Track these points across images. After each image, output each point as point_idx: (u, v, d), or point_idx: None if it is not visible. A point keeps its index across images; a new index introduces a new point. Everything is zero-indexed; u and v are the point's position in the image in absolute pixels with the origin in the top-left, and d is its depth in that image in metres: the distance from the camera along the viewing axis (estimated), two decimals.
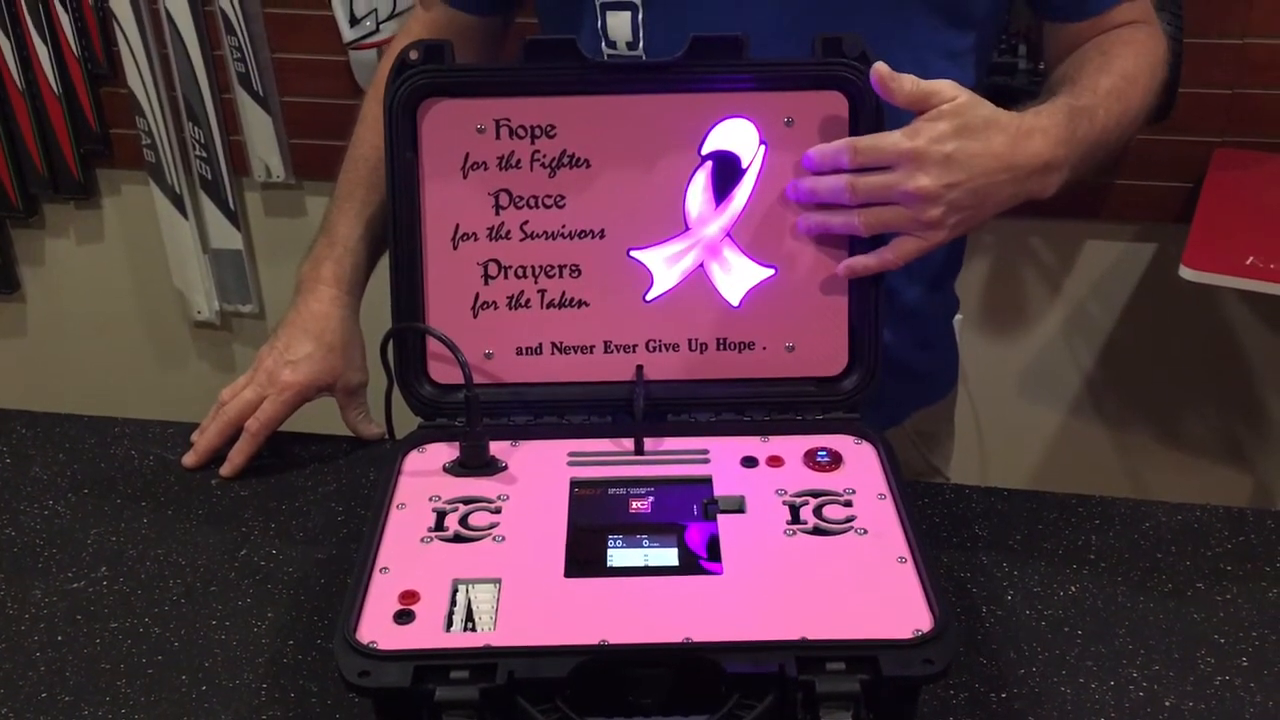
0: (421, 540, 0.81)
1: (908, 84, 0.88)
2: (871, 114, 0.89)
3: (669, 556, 0.79)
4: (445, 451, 0.90)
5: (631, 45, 1.03)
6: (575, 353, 0.94)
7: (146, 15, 1.98)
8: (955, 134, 0.88)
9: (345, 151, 1.13)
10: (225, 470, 1.04)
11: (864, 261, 0.90)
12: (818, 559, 0.79)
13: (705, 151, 0.91)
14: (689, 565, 0.79)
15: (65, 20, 2.00)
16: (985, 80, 1.11)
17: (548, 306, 0.93)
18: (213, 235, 2.15)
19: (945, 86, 0.89)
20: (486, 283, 0.93)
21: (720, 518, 0.82)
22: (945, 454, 1.27)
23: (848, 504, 0.83)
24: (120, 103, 2.07)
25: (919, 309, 1.12)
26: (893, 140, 0.87)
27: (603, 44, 1.04)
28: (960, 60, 1.05)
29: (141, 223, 2.17)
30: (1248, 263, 1.54)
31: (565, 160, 0.91)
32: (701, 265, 0.92)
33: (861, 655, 0.70)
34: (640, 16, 1.01)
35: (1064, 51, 1.08)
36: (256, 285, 2.20)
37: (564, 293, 0.93)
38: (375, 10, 1.88)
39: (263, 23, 1.97)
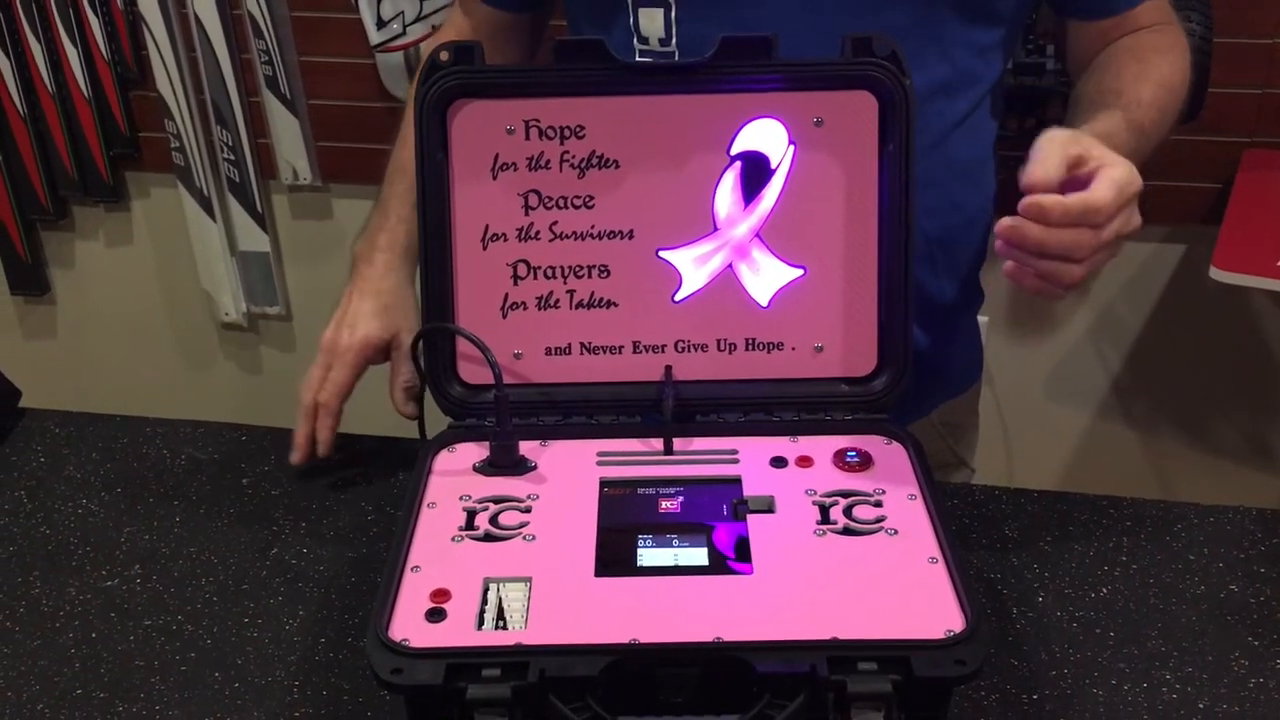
0: (452, 539, 0.81)
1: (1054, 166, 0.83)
2: (900, 114, 0.89)
3: (699, 556, 0.79)
4: (475, 451, 0.90)
5: (664, 42, 1.02)
6: (604, 353, 0.94)
7: (175, 19, 1.99)
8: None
9: (372, 153, 1.13)
10: (321, 450, 1.03)
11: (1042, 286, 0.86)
12: (848, 559, 0.79)
13: (734, 152, 0.91)
14: (719, 565, 0.79)
15: (95, 24, 2.02)
16: (1009, 77, 1.10)
17: (577, 307, 0.93)
18: (240, 237, 2.17)
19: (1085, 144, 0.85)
20: (516, 283, 0.93)
21: (750, 518, 0.82)
22: (970, 445, 1.27)
23: (878, 504, 0.83)
24: (149, 106, 2.08)
25: (947, 303, 1.12)
26: (1128, 179, 0.84)
27: (635, 41, 1.04)
28: (987, 55, 1.05)
29: (170, 225, 2.19)
30: (1279, 263, 1.53)
31: (594, 161, 0.91)
32: (730, 266, 0.92)
33: (893, 655, 0.70)
34: (673, 13, 1.01)
35: (1085, 50, 1.08)
36: (283, 287, 2.21)
37: (593, 293, 0.93)
38: (402, 13, 1.89)
39: (290, 26, 1.98)
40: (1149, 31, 1.06)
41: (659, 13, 1.02)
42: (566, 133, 0.91)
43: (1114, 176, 0.83)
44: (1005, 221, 0.83)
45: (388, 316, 1.06)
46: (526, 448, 0.90)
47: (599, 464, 0.89)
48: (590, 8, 1.08)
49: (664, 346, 0.93)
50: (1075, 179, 0.84)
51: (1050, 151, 0.83)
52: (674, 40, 1.02)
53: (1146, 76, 1.01)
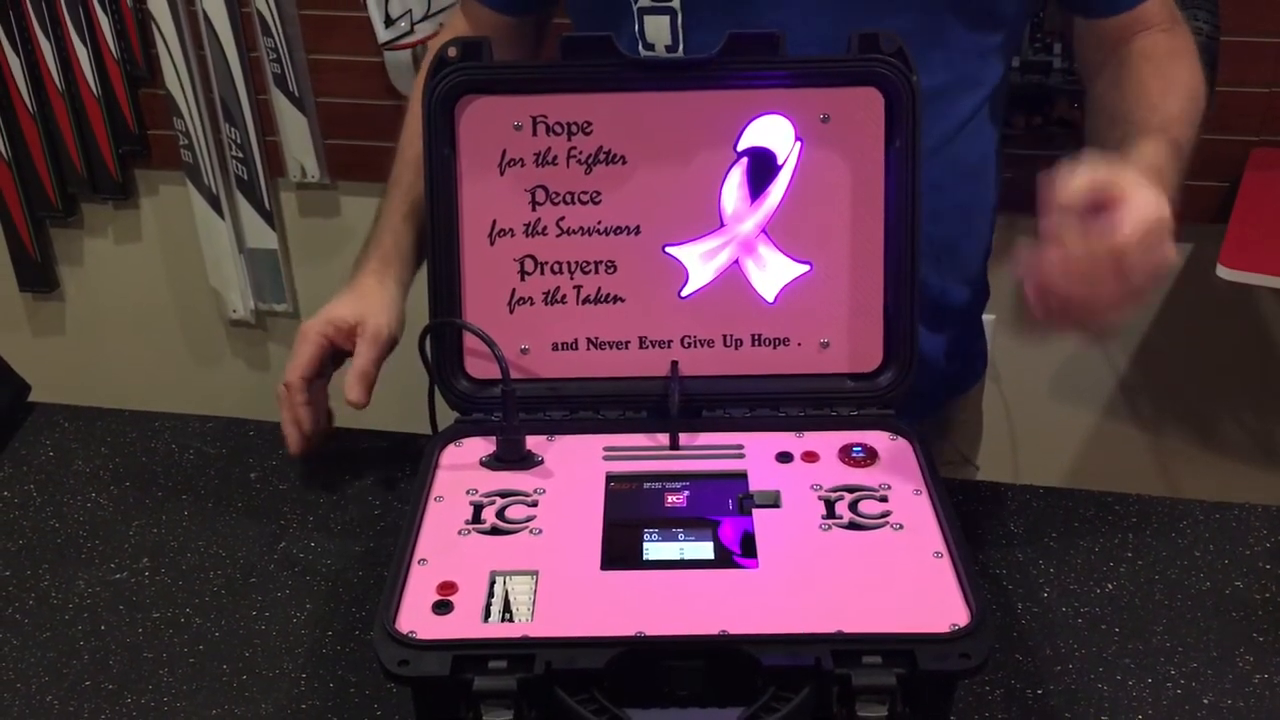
0: (459, 533, 0.82)
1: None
2: (907, 110, 0.89)
3: (704, 550, 0.80)
4: (482, 446, 0.91)
5: (671, 48, 1.03)
6: (611, 348, 0.94)
7: (184, 17, 2.00)
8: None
9: (380, 151, 1.13)
10: (305, 428, 0.99)
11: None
12: (853, 553, 0.79)
13: (741, 148, 0.91)
14: (724, 559, 0.79)
15: (105, 23, 2.03)
16: (1015, 75, 1.10)
17: (583, 302, 0.94)
18: (248, 235, 2.17)
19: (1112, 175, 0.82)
20: (523, 279, 0.94)
21: (755, 512, 0.83)
22: (975, 442, 1.27)
23: (883, 499, 0.83)
24: (158, 104, 2.09)
25: (953, 305, 1.12)
26: (1156, 210, 0.80)
27: (640, 48, 1.04)
28: (989, 58, 1.05)
29: (178, 223, 2.20)
30: None
31: (601, 157, 0.92)
32: (736, 261, 0.93)
33: (898, 649, 0.70)
34: (679, 20, 1.02)
35: (1094, 47, 1.08)
36: (291, 284, 2.22)
37: (600, 288, 0.94)
38: (410, 11, 1.90)
39: (298, 24, 1.99)
40: (1161, 34, 1.05)
41: (665, 20, 1.02)
42: (574, 128, 0.91)
43: (1134, 216, 0.79)
44: (1029, 291, 0.81)
45: (358, 303, 1.02)
46: (533, 442, 0.90)
47: (605, 459, 0.89)
48: (595, 15, 1.08)
49: (670, 342, 0.94)
50: (1096, 206, 0.80)
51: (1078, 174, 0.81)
52: (680, 47, 1.02)
53: (1173, 90, 1.00)
